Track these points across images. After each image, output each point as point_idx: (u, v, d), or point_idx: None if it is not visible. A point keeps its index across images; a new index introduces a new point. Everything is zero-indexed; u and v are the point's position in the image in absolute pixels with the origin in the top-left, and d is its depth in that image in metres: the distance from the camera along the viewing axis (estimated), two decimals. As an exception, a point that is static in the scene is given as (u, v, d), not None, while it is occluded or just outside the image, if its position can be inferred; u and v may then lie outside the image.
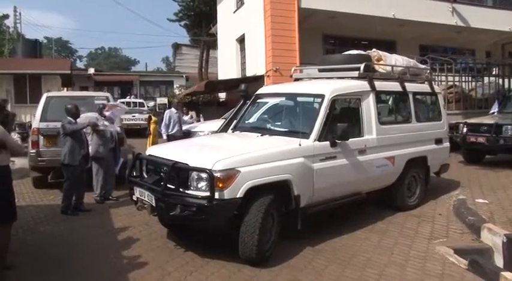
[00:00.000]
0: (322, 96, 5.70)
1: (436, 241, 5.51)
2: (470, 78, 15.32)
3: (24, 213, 7.02)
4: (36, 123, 8.47)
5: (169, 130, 10.51)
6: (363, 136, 6.01)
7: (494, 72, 16.30)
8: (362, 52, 7.25)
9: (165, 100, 28.33)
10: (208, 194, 4.47)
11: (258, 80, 15.43)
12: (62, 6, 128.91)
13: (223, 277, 4.53)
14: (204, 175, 4.56)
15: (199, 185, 4.62)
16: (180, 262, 4.91)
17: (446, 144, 7.56)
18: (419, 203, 6.99)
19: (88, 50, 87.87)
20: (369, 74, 6.35)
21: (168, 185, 4.80)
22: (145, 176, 5.49)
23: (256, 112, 6.84)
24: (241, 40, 18.31)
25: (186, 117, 14.23)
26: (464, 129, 10.27)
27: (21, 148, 5.20)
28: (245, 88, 7.53)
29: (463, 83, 14.87)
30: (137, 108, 22.40)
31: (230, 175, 4.53)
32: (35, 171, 8.69)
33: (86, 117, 7.67)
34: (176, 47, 40.52)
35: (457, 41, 19.46)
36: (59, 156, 7.21)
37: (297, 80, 7.51)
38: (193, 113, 17.93)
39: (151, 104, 26.85)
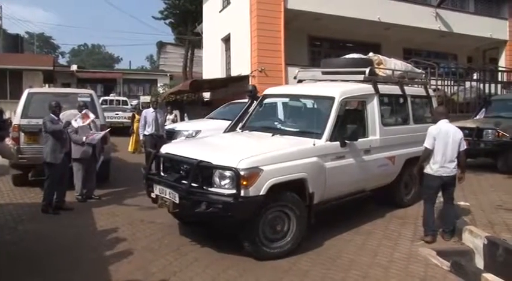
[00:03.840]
0: (332, 98, 5.90)
1: (419, 242, 5.57)
2: (452, 82, 15.57)
3: (3, 212, 6.91)
4: (17, 120, 8.29)
5: (145, 130, 10.24)
6: (367, 137, 6.29)
7: (475, 77, 16.59)
8: (362, 56, 7.50)
9: (148, 99, 28.04)
10: (233, 191, 4.60)
11: (243, 80, 15.41)
12: (44, 0, 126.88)
13: (208, 278, 4.50)
14: (229, 173, 4.69)
15: (223, 183, 4.75)
16: (163, 263, 4.87)
17: None
18: (414, 201, 7.21)
19: (71, 46, 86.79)
20: (373, 78, 6.61)
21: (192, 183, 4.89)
22: (162, 174, 5.53)
23: (264, 112, 7.02)
24: (226, 40, 18.27)
25: (171, 117, 14.12)
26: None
27: (12, 155, 5.14)
28: (252, 89, 7.66)
29: (446, 87, 15.09)
30: (120, 106, 22.13)
31: (254, 173, 4.67)
32: (15, 168, 8.50)
33: (68, 114, 7.57)
34: (161, 45, 40.20)
35: (440, 46, 19.77)
36: (40, 153, 7.09)
37: (300, 81, 7.64)
38: (177, 112, 17.81)
39: (135, 102, 26.56)
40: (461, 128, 10.34)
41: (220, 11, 18.78)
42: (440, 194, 5.86)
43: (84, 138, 7.33)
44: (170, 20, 33.63)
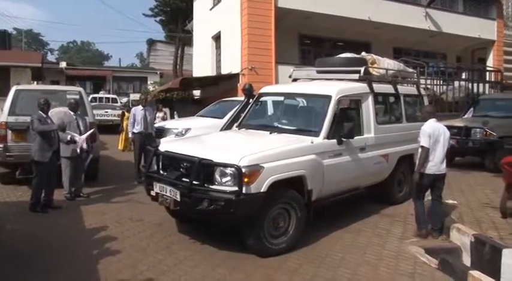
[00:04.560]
0: (329, 97, 5.99)
1: (407, 240, 5.61)
2: (441, 81, 15.69)
3: (-10, 210, 6.82)
4: (4, 117, 8.16)
5: (134, 128, 9.65)
6: (363, 135, 6.37)
7: (463, 77, 16.74)
8: (356, 55, 7.62)
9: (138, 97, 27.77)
10: (235, 189, 4.63)
11: (233, 78, 15.40)
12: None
13: (197, 277, 4.49)
14: (231, 171, 4.72)
15: (224, 180, 4.78)
16: (152, 261, 4.85)
17: None
18: (406, 198, 7.33)
19: (60, 43, 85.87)
20: (368, 77, 6.72)
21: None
22: (161, 172, 5.53)
23: (260, 111, 7.07)
24: (217, 38, 18.22)
25: (160, 114, 14.03)
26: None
27: None
28: (249, 87, 7.79)
29: (435, 87, 15.21)
30: (110, 104, 21.98)
31: (255, 170, 4.73)
32: (2, 167, 8.39)
33: (57, 112, 7.49)
34: (151, 43, 40.09)
35: (429, 45, 19.91)
36: (27, 151, 7.02)
37: (295, 80, 7.69)
38: (167, 110, 17.73)
39: (125, 100, 26.40)
40: (450, 127, 10.50)
41: (210, 9, 18.73)
42: (428, 192, 5.95)
43: (68, 136, 7.27)
44: (161, 17, 33.50)
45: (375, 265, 4.85)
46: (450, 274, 4.59)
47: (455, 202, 7.12)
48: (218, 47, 18.23)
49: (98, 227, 6.05)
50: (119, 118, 16.34)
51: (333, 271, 4.68)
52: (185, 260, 4.89)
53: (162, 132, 9.96)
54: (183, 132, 9.60)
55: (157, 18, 34.02)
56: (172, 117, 17.00)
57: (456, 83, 15.96)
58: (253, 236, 4.91)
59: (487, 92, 16.23)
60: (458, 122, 10.63)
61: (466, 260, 5.20)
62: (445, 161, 5.74)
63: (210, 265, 4.75)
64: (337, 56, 7.89)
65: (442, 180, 5.86)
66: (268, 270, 4.66)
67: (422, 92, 8.32)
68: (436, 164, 5.67)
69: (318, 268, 4.75)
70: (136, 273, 4.54)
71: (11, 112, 8.16)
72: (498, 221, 6.11)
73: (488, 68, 18.39)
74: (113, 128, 16.71)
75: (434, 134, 5.65)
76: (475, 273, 4.36)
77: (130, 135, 9.82)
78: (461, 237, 5.42)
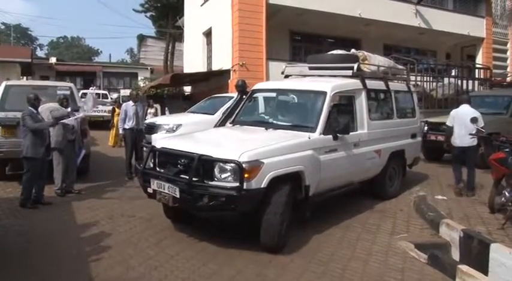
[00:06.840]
0: (324, 93, 6.05)
1: (397, 236, 5.66)
2: (431, 78, 15.81)
3: (-21, 206, 6.76)
4: (-7, 113, 8.11)
5: (125, 124, 9.43)
6: (356, 131, 6.43)
7: (453, 74, 16.87)
8: (346, 52, 7.66)
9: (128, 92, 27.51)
10: (236, 184, 4.64)
11: (224, 74, 15.39)
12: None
13: (188, 272, 4.49)
14: (231, 167, 4.72)
15: (224, 176, 4.77)
16: (144, 257, 4.85)
17: (419, 138, 8.28)
18: (398, 193, 7.56)
19: (49, 38, 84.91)
20: (361, 73, 6.77)
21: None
22: (158, 168, 5.47)
23: (254, 107, 7.08)
24: (207, 33, 18.18)
25: (152, 110, 13.99)
26: (425, 128, 10.56)
27: None
28: (242, 83, 7.74)
29: (425, 83, 15.32)
30: (100, 99, 21.81)
31: (255, 166, 4.73)
32: (-9, 162, 8.32)
33: (47, 108, 7.44)
34: (141, 38, 39.77)
35: (419, 42, 20.05)
36: (17, 147, 6.97)
37: (287, 77, 7.70)
38: (158, 106, 17.68)
39: (115, 95, 26.21)
40: (439, 124, 10.62)
41: (201, 5, 18.68)
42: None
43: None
44: (151, 13, 33.29)
45: (365, 260, 4.88)
46: (439, 269, 4.65)
47: (444, 197, 7.19)
48: (209, 43, 18.18)
49: (89, 223, 6.03)
50: (110, 114, 16.25)
51: (324, 266, 4.72)
52: (176, 255, 4.89)
53: (152, 129, 9.93)
54: (174, 129, 9.58)
55: (148, 14, 33.84)
56: (163, 113, 16.95)
57: (446, 80, 16.08)
58: (272, 232, 4.88)
59: (476, 89, 16.37)
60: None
61: (455, 255, 5.26)
62: (467, 137, 7.11)
63: (201, 260, 4.76)
64: (329, 52, 7.93)
65: (469, 152, 7.30)
66: (258, 265, 4.68)
67: (412, 88, 8.44)
68: (456, 139, 7.29)
69: (309, 263, 4.78)
70: (128, 269, 4.54)
71: (1, 108, 8.14)
72: (486, 216, 6.18)
73: (477, 65, 18.55)
74: (103, 124, 16.61)
75: (452, 115, 7.38)
76: (464, 267, 4.42)
77: (121, 131, 9.74)
78: (450, 232, 5.48)
